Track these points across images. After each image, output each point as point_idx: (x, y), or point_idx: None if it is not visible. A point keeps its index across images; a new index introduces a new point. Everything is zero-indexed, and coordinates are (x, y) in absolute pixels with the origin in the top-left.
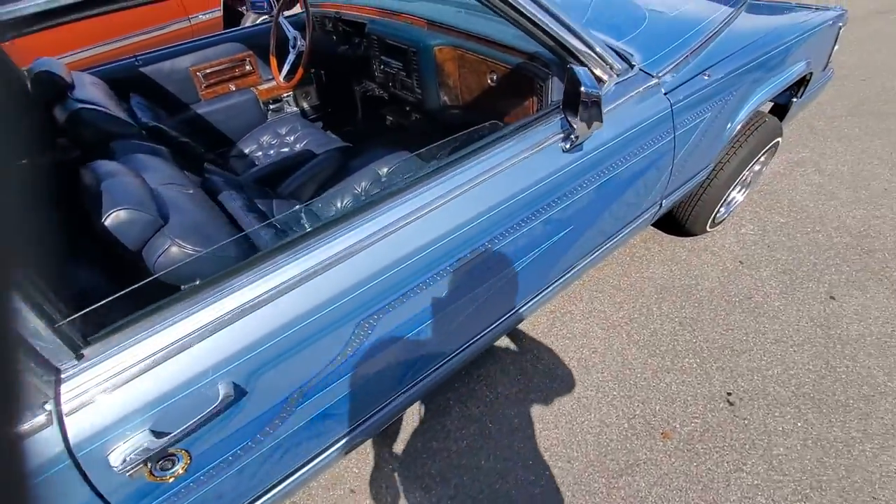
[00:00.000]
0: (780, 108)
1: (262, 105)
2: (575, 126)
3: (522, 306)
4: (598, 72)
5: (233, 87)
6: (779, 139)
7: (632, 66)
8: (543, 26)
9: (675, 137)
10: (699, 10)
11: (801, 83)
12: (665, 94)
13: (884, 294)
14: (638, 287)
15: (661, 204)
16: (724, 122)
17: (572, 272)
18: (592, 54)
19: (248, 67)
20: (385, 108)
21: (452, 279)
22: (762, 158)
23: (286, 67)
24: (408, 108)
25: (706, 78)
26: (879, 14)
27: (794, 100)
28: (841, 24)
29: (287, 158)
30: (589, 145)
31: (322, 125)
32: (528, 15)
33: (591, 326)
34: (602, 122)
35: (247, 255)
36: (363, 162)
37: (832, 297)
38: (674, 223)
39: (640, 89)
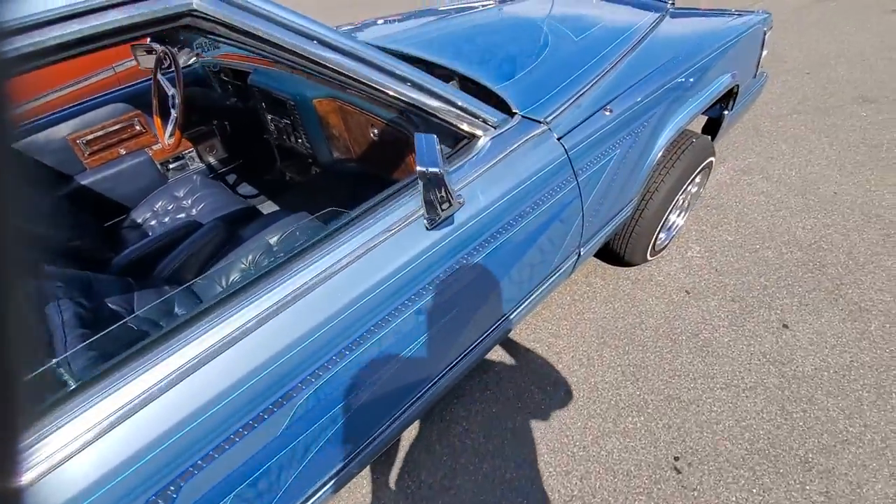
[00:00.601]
0: (714, 122)
1: (159, 166)
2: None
3: (414, 401)
4: (465, 128)
5: (123, 151)
6: (712, 159)
7: (512, 115)
8: (374, 85)
9: (578, 184)
10: (609, 32)
11: (731, 95)
12: (558, 139)
13: (839, 317)
14: (579, 332)
15: (579, 253)
16: (640, 155)
17: (476, 349)
18: (454, 110)
19: (138, 128)
20: (286, 161)
21: (311, 397)
22: (697, 180)
23: (168, 128)
24: (309, 161)
25: (608, 114)
26: (819, 2)
27: (726, 112)
28: (766, 28)
29: (167, 234)
30: (463, 215)
31: (235, 178)
32: (348, 74)
33: (527, 386)
34: (454, 202)
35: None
36: (256, 228)
37: (785, 326)
38: (614, 255)
39: (525, 140)
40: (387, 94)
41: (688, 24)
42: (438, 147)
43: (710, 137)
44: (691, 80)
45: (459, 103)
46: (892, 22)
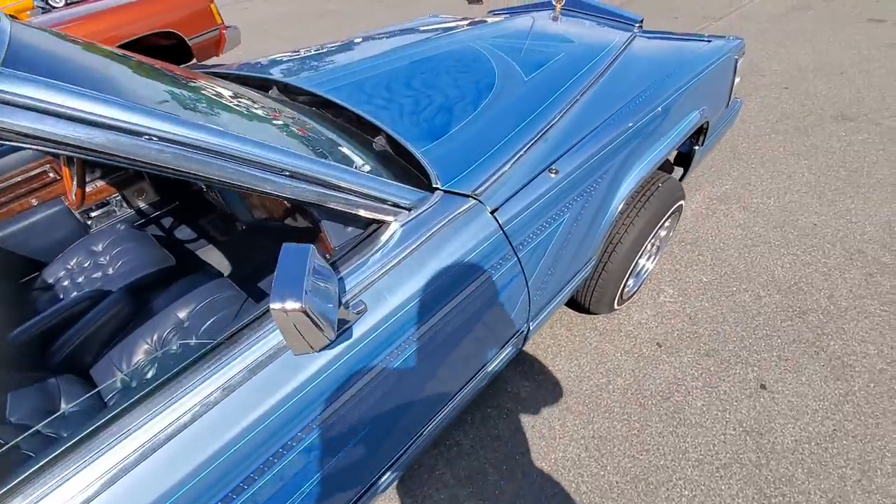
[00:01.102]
0: (685, 156)
1: (78, 216)
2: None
3: None
4: (369, 215)
5: (34, 202)
6: (681, 202)
7: (432, 190)
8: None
9: (519, 260)
10: (566, 66)
11: (701, 130)
12: (492, 212)
13: (820, 375)
14: (541, 396)
15: (528, 327)
16: (596, 213)
17: (393, 466)
18: (353, 198)
19: (51, 175)
20: (209, 216)
21: None
22: (667, 223)
23: (74, 180)
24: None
25: (553, 175)
26: (797, 10)
27: (697, 147)
28: (738, 56)
29: (67, 305)
30: (364, 325)
31: (171, 222)
32: (194, 172)
33: (481, 465)
34: (330, 334)
35: None
36: (169, 298)
37: (763, 386)
38: (579, 305)
39: (447, 220)
40: (257, 190)
41: (655, 53)
42: (310, 265)
43: (682, 171)
44: (655, 123)
45: (359, 189)
46: (870, 31)
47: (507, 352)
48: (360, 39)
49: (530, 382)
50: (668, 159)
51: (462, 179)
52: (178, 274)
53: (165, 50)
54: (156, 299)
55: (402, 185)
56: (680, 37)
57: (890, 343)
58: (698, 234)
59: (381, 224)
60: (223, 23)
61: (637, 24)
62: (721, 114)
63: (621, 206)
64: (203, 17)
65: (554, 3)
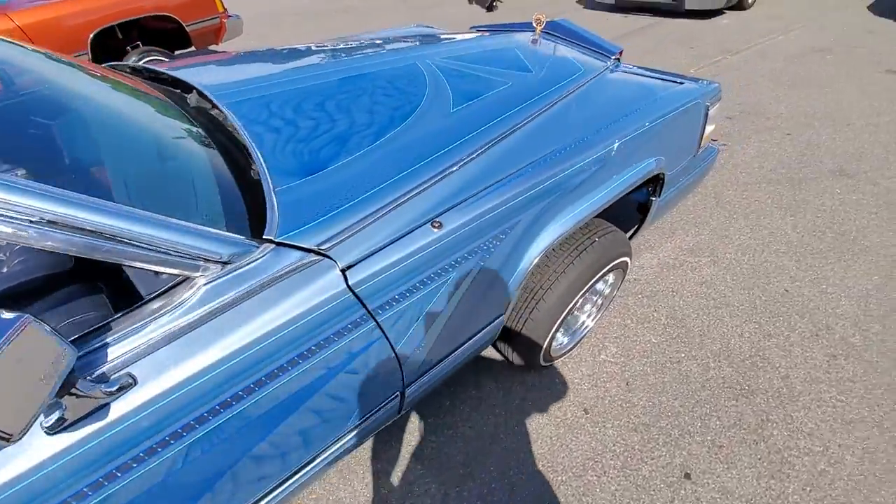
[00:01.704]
0: (644, 205)
1: None
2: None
3: None
4: (157, 268)
5: None
6: (626, 259)
7: (263, 241)
8: None
9: (380, 324)
10: (508, 97)
11: (658, 180)
12: (344, 270)
13: (754, 469)
14: (444, 456)
15: (403, 394)
16: (500, 269)
17: None
18: (135, 250)
19: None
20: None
21: None
22: (609, 279)
23: None
24: None
25: (435, 230)
26: (817, 53)
27: (654, 199)
28: (709, 102)
29: None
30: (129, 402)
31: None
32: None
33: None
34: (93, 395)
35: None
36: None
37: (687, 476)
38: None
39: (276, 277)
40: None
41: (616, 92)
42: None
43: (640, 219)
44: (587, 173)
45: (149, 238)
46: (887, 83)
47: (373, 420)
48: (308, 47)
49: (437, 438)
50: (636, 203)
51: (312, 228)
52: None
53: (164, 35)
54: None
55: (220, 233)
56: (653, 74)
57: (839, 440)
58: (658, 288)
59: (184, 279)
60: (225, 11)
61: (614, 57)
62: (687, 163)
63: (537, 260)
64: (203, 4)
65: (534, 24)
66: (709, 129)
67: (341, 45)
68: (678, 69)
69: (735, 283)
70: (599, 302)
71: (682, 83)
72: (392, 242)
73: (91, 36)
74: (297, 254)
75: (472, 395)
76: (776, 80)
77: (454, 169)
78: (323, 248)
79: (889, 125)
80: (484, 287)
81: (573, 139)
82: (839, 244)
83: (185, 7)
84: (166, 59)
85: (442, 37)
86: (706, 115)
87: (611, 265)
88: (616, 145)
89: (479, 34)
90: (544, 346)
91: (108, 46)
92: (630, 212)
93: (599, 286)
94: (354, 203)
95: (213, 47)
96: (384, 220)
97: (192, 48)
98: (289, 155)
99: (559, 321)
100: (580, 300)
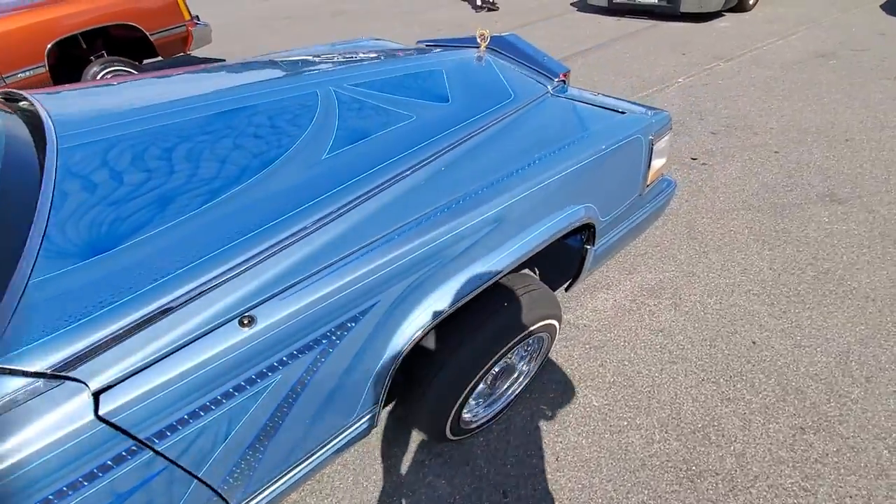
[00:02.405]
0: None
1: None
2: None
3: None
4: None
5: None
6: (552, 322)
7: None
8: None
9: (161, 453)
10: (407, 133)
11: (589, 229)
12: (97, 394)
13: None
14: None
15: None
16: (353, 363)
17: None
18: None
19: None
20: None
21: None
22: (533, 341)
23: None
24: None
25: (245, 328)
26: (818, 58)
27: (589, 248)
28: (653, 136)
29: None
30: None
31: None
32: None
33: None
34: None
35: None
36: None
37: None
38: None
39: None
40: None
41: (544, 125)
42: None
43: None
44: (481, 233)
45: None
46: (892, 91)
47: None
48: (209, 69)
49: None
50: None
51: (53, 341)
52: None
53: (130, 44)
54: None
55: None
56: (595, 101)
57: None
58: (609, 336)
59: None
60: (192, 19)
61: (557, 79)
62: (632, 204)
63: (412, 343)
64: (167, 12)
65: (478, 40)
66: (657, 162)
67: (245, 69)
68: (667, 77)
69: (696, 333)
70: (527, 369)
71: (623, 113)
72: (178, 349)
73: (48, 48)
74: (24, 380)
75: (378, 479)
76: (769, 89)
77: (290, 242)
78: (64, 369)
79: (892, 141)
80: (331, 387)
81: (468, 191)
82: (820, 285)
83: (148, 16)
84: (131, 71)
85: (371, 56)
86: (650, 150)
87: (528, 333)
88: (522, 196)
89: (408, 55)
90: (448, 422)
91: (71, 57)
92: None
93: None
94: (132, 298)
95: (181, 56)
96: (171, 319)
97: (159, 57)
98: (83, 226)
99: (462, 397)
100: (499, 365)
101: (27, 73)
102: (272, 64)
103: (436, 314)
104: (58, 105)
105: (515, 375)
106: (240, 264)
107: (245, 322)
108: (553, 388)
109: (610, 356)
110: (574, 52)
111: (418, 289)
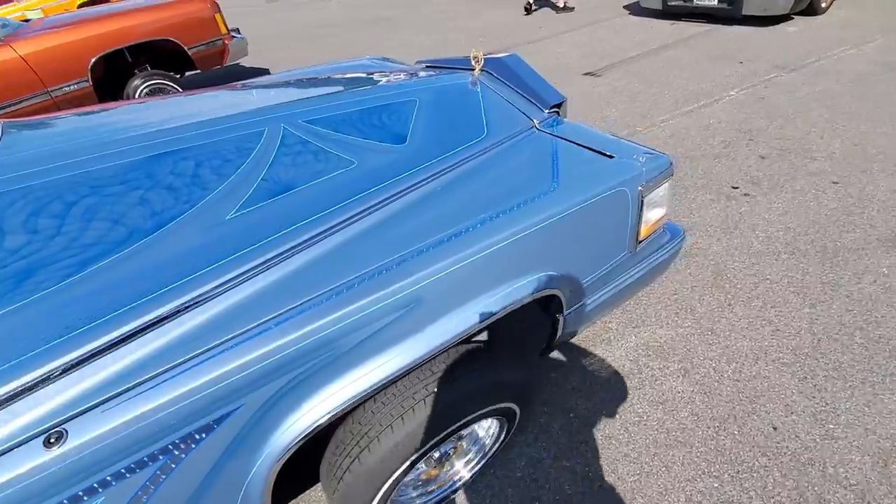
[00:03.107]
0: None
1: None
2: None
3: None
4: None
5: None
6: (509, 405)
7: None
8: None
9: None
10: (312, 202)
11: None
12: None
13: None
14: None
15: None
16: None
17: None
18: None
19: None
20: None
21: None
22: (487, 427)
23: None
24: None
25: (52, 449)
26: (893, 71)
27: (560, 316)
28: (643, 186)
29: None
30: None
31: None
32: None
33: None
34: None
35: None
36: None
37: None
38: None
39: None
40: None
41: (512, 171)
42: None
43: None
44: (384, 322)
45: None
46: None
47: None
48: (168, 101)
49: None
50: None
51: None
52: None
53: (169, 58)
54: None
55: None
56: (581, 141)
57: None
58: (598, 407)
59: None
60: (228, 32)
61: (549, 110)
62: (620, 262)
63: (298, 442)
64: (205, 27)
65: (472, 62)
66: (654, 214)
67: (203, 100)
68: (718, 88)
69: (705, 409)
70: (482, 451)
71: (611, 157)
72: None
73: (90, 63)
74: None
75: None
76: (835, 106)
77: (132, 336)
78: None
79: None
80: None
81: (380, 265)
82: (869, 357)
83: (186, 30)
84: (171, 85)
85: (352, 81)
86: (640, 202)
87: (470, 419)
88: (452, 270)
89: (390, 82)
90: None
91: (116, 70)
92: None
93: (480, 431)
94: None
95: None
96: None
97: (198, 70)
98: None
99: (384, 489)
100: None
101: (72, 87)
102: (236, 93)
103: (323, 415)
104: None
105: (474, 452)
106: (57, 368)
107: (53, 440)
108: (512, 480)
109: (595, 435)
110: (618, 61)
111: (296, 390)
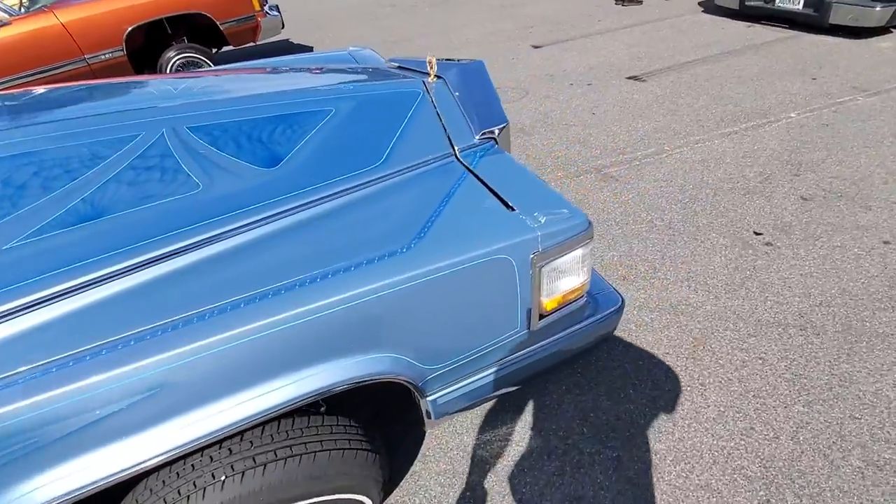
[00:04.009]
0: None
1: None
2: None
3: None
4: None
5: None
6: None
7: None
8: None
9: None
10: (134, 231)
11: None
12: None
13: None
14: None
15: None
16: None
17: None
18: None
19: None
20: None
21: None
22: None
23: None
24: None
25: None
26: None
27: (423, 399)
28: (535, 254)
29: None
30: None
31: None
32: None
33: None
34: None
35: None
36: None
37: None
38: None
39: None
40: None
41: (388, 210)
42: None
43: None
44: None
45: None
46: None
47: None
48: (60, 89)
49: None
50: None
51: None
52: None
53: (204, 33)
54: None
55: None
56: (491, 183)
57: None
58: (498, 499)
59: None
60: (262, 10)
61: (480, 135)
62: (507, 343)
63: None
64: (238, 3)
65: (427, 67)
66: (564, 284)
67: (96, 92)
68: (777, 108)
69: None
70: None
71: (513, 210)
72: None
73: (126, 33)
74: None
75: None
76: (880, 143)
77: None
78: None
79: None
80: None
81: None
82: (865, 489)
83: (218, 5)
84: (202, 59)
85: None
86: (536, 273)
87: None
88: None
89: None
90: None
91: (156, 41)
92: None
93: None
94: None
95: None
96: None
97: (231, 46)
98: None
99: None
100: None
101: (107, 56)
102: (160, 83)
103: None
104: None
105: None
106: None
107: None
108: None
109: None
110: (671, 65)
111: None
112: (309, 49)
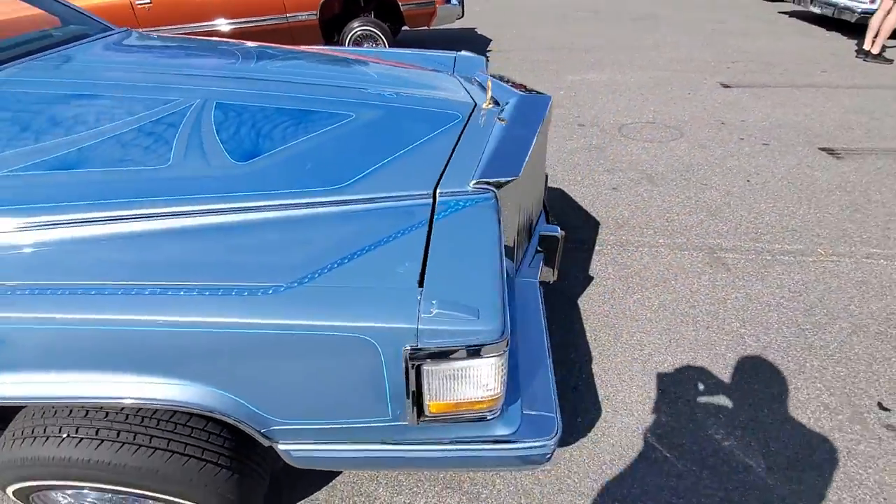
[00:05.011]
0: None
1: None
2: None
3: None
4: None
5: None
6: None
7: None
8: None
9: None
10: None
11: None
12: None
13: None
14: None
15: None
16: None
17: None
18: None
19: None
20: None
21: None
22: None
23: None
24: None
25: None
26: None
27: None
28: (408, 347)
29: None
30: None
31: None
32: None
33: None
34: None
35: None
36: None
37: None
38: None
39: None
40: None
41: (301, 239)
42: None
43: None
44: None
45: None
46: None
47: None
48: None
49: None
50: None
51: None
52: None
53: (386, 10)
54: None
55: None
56: (427, 252)
57: None
58: None
59: None
60: None
61: (478, 183)
62: (381, 427)
63: None
64: None
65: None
66: (464, 392)
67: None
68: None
69: None
70: None
71: (420, 288)
72: None
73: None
74: None
75: None
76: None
77: None
78: None
79: None
80: None
81: None
82: None
83: None
84: (379, 35)
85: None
86: (414, 368)
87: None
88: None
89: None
90: None
91: (348, 12)
92: None
93: None
94: None
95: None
96: None
97: (406, 27)
98: None
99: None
100: None
101: (303, 17)
102: (220, 52)
103: None
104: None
105: None
106: None
107: None
108: None
109: None
110: (887, 147)
111: None
112: (487, 41)
